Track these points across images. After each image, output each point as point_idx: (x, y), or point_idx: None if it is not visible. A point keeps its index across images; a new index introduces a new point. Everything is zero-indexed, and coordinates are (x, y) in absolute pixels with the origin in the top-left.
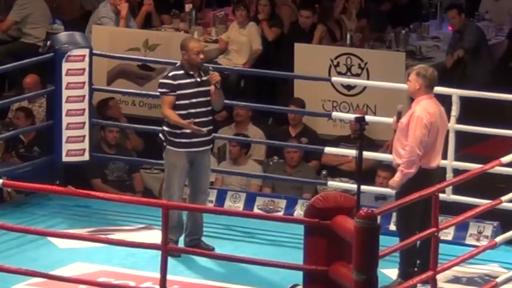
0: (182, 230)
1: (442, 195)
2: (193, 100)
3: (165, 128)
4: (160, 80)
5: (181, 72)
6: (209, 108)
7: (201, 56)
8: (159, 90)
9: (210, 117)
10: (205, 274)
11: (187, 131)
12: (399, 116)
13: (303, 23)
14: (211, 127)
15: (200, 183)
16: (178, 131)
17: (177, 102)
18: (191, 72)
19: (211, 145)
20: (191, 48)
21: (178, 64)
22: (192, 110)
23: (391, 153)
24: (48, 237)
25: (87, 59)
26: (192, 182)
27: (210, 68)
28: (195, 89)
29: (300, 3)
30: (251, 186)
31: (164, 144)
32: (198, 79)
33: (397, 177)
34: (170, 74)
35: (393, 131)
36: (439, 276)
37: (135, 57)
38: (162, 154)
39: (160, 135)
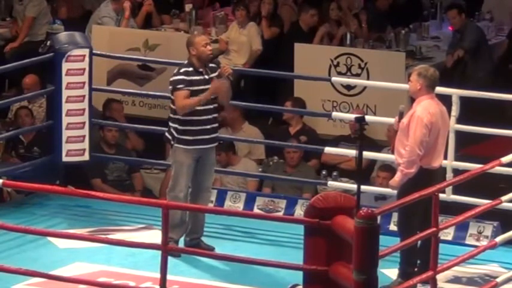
0: (184, 230)
1: (442, 195)
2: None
3: (173, 125)
4: (173, 78)
5: (191, 69)
6: (215, 105)
7: (209, 48)
8: (173, 87)
9: (216, 115)
10: (205, 274)
11: (196, 127)
12: (401, 116)
13: (307, 23)
14: (216, 125)
15: (204, 181)
16: (188, 128)
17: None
18: (200, 70)
19: (217, 143)
20: (198, 41)
21: (186, 62)
22: (200, 107)
23: (393, 153)
24: (48, 237)
25: (87, 59)
26: (196, 180)
27: (215, 66)
28: (204, 86)
29: (305, 2)
30: (248, 184)
31: (172, 143)
32: (206, 76)
33: (397, 177)
34: (182, 71)
35: (395, 132)
36: (439, 276)
37: (135, 57)
38: (162, 154)
39: (167, 134)
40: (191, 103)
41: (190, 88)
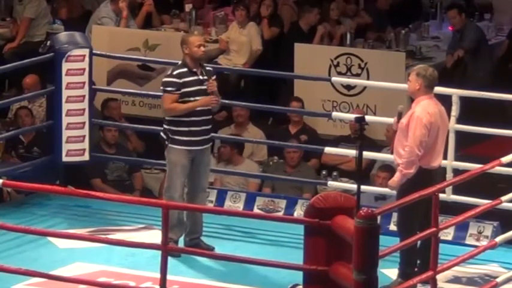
0: (183, 229)
1: (442, 195)
2: (197, 98)
3: (167, 126)
4: (165, 79)
5: (185, 70)
6: (210, 107)
7: (202, 49)
8: (163, 88)
9: (210, 116)
10: (205, 274)
11: (191, 128)
12: (400, 116)
13: (308, 21)
14: (210, 126)
15: (200, 181)
16: (182, 129)
17: (181, 100)
18: (194, 70)
19: (211, 143)
20: (192, 41)
21: (180, 63)
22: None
23: (392, 153)
24: (48, 237)
25: (87, 59)
26: (192, 180)
27: (211, 70)
28: (198, 87)
29: (305, 2)
30: (249, 185)
31: (166, 142)
32: (201, 77)
33: (396, 177)
34: (175, 73)
35: (394, 132)
36: (439, 276)
37: (135, 57)
38: (162, 154)
39: (162, 134)
40: (177, 109)
41: (183, 90)
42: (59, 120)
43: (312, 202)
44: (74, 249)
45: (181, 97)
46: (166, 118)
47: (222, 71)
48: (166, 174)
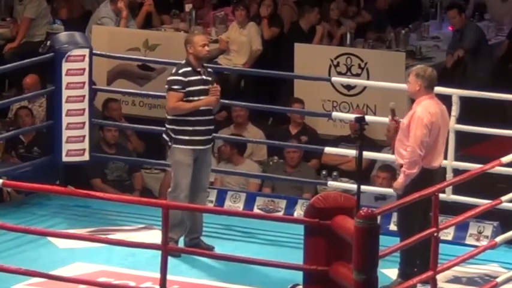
0: (184, 229)
1: (442, 195)
2: (201, 97)
3: (170, 126)
4: (170, 77)
5: (189, 69)
6: (212, 107)
7: (207, 49)
8: (169, 86)
9: (212, 116)
10: (205, 274)
11: (195, 128)
12: (393, 113)
13: (309, 21)
14: (212, 126)
15: (201, 181)
16: (186, 128)
17: (185, 99)
18: (198, 69)
19: (213, 143)
20: (196, 41)
21: (184, 62)
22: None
23: (393, 153)
24: (48, 237)
25: (87, 59)
26: (194, 180)
27: (212, 72)
28: (201, 87)
29: (306, 1)
30: (250, 185)
31: (169, 143)
32: (204, 77)
33: (400, 179)
34: (180, 71)
35: (392, 130)
36: (439, 276)
37: (135, 57)
38: (162, 154)
39: (164, 135)
40: (182, 108)
41: (187, 89)
42: (59, 120)
43: (312, 202)
44: (74, 249)
45: (186, 96)
46: (169, 117)
47: (222, 71)
48: (166, 175)
